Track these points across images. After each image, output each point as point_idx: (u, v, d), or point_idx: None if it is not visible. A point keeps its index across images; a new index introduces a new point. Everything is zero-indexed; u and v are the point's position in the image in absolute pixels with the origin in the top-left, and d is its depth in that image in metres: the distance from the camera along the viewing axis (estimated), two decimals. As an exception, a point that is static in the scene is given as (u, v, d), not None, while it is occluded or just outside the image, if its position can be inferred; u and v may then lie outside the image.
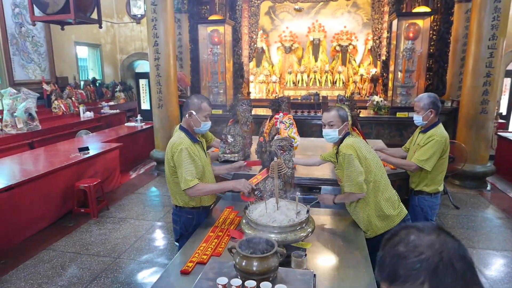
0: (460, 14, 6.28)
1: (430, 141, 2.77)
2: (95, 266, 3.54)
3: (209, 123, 2.44)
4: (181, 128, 2.43)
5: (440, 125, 2.89)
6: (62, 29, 7.30)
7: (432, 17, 5.96)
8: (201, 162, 2.37)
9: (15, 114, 6.15)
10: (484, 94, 5.35)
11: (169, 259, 3.68)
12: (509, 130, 8.62)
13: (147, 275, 3.43)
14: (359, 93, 7.93)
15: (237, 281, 1.38)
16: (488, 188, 5.76)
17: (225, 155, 3.25)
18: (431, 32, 6.22)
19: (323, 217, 2.50)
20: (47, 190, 4.32)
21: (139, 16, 9.91)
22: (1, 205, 3.61)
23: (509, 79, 8.99)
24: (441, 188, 2.96)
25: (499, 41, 5.19)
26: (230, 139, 3.17)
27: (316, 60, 8.47)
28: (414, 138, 3.06)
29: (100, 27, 7.24)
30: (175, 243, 2.78)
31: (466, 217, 4.65)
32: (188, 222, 2.47)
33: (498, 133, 6.70)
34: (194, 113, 2.36)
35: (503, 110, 9.07)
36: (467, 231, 4.27)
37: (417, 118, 2.90)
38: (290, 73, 8.38)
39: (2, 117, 6.15)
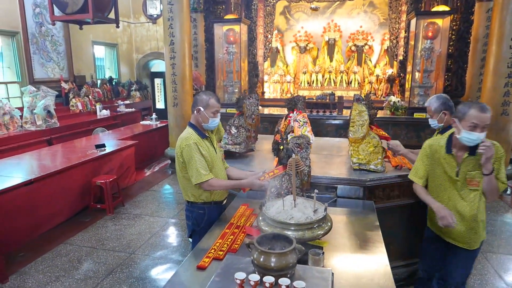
0: (481, 13, 6.13)
1: None
2: (111, 261, 3.59)
3: (217, 119, 2.45)
4: (190, 124, 2.47)
5: None
6: (81, 28, 7.43)
7: (451, 16, 5.84)
8: (210, 157, 2.39)
9: (34, 111, 6.30)
10: (506, 95, 5.21)
11: (183, 255, 3.70)
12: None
13: (161, 271, 3.46)
14: (375, 94, 7.83)
15: (255, 277, 1.36)
16: (508, 192, 5.60)
17: (227, 145, 3.27)
18: (450, 32, 6.10)
19: (340, 216, 2.47)
20: (65, 185, 4.40)
21: (155, 16, 10.03)
22: (21, 200, 3.69)
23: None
24: (460, 189, 2.88)
25: (521, 41, 5.05)
26: (233, 130, 3.18)
27: (331, 60, 8.40)
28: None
29: (118, 26, 7.35)
30: (189, 239, 2.79)
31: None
32: (200, 218, 2.48)
33: (519, 136, 6.51)
34: (202, 109, 2.38)
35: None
36: (487, 235, 4.14)
37: (433, 122, 2.85)
38: (304, 73, 8.34)
39: (22, 114, 6.30)
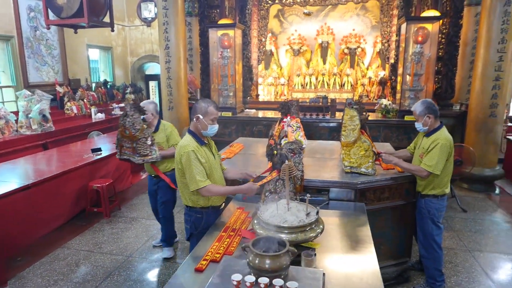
0: (470, 17, 6.28)
1: (436, 145, 2.83)
2: (108, 264, 3.65)
3: (216, 126, 2.54)
4: (189, 131, 2.55)
5: (443, 129, 2.95)
6: (75, 32, 7.46)
7: (441, 20, 5.97)
8: (208, 164, 2.47)
9: (29, 115, 6.31)
10: (493, 97, 5.36)
11: (180, 258, 3.78)
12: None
13: (159, 274, 3.53)
14: (367, 96, 7.94)
15: (251, 278, 1.45)
16: (497, 191, 5.75)
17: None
18: (440, 35, 6.23)
19: (332, 218, 2.56)
20: (61, 190, 4.44)
21: (149, 19, 10.07)
22: (18, 205, 3.73)
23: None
24: (447, 191, 3.00)
25: (508, 44, 5.20)
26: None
27: (324, 63, 8.50)
28: (419, 142, 3.13)
29: (113, 30, 7.38)
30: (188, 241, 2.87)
31: (473, 220, 4.66)
32: (198, 222, 2.57)
33: (507, 137, 6.68)
34: (201, 117, 2.46)
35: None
36: (475, 234, 4.29)
37: (418, 126, 3.02)
38: (298, 75, 8.42)
39: (18, 118, 6.31)
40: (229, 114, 6.11)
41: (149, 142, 3.34)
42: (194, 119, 2.50)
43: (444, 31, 6.26)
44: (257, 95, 8.25)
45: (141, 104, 3.54)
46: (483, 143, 5.52)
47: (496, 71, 5.27)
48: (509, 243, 4.08)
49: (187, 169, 2.39)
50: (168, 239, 3.86)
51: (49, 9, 6.52)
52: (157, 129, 3.62)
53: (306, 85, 8.38)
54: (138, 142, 3.32)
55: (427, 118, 2.94)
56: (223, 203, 2.71)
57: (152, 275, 3.51)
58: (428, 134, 2.99)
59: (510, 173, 6.16)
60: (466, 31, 6.30)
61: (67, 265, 3.64)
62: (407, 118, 5.55)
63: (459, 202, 5.04)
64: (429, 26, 5.39)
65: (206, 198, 2.51)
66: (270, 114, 6.45)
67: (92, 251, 3.92)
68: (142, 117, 3.34)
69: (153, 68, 11.24)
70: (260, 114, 6.57)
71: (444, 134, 2.89)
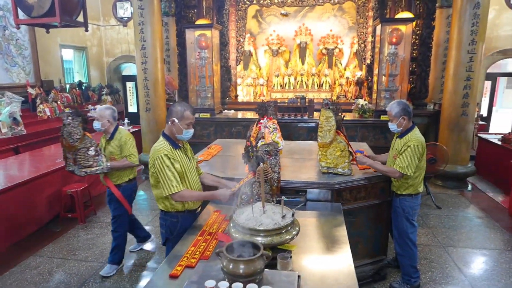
0: (442, 19, 6.47)
1: (408, 147, 2.89)
2: (83, 271, 3.54)
3: (191, 131, 2.49)
4: (163, 134, 2.50)
5: (415, 130, 3.01)
6: (48, 32, 7.20)
7: (414, 22, 6.12)
8: (182, 168, 2.43)
9: (-1, 118, 6.07)
10: (465, 97, 5.53)
11: (157, 262, 3.71)
12: (490, 131, 8.88)
13: (136, 279, 3.45)
14: (345, 96, 8.06)
15: (224, 284, 1.43)
16: (469, 188, 5.94)
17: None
18: (414, 36, 6.39)
19: (309, 219, 2.57)
20: (33, 195, 4.29)
21: (125, 19, 9.87)
22: (-13, 212, 3.58)
23: (489, 82, 9.27)
24: (421, 190, 3.07)
25: (478, 46, 5.37)
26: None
27: (303, 63, 8.56)
28: (393, 143, 3.18)
29: (87, 30, 7.16)
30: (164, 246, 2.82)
31: (447, 216, 4.80)
32: (173, 226, 2.52)
33: (478, 135, 6.92)
34: (176, 120, 2.41)
35: (484, 112, 9.34)
36: (448, 230, 4.41)
37: (392, 126, 3.06)
38: (277, 76, 8.46)
39: (-14, 121, 6.05)
40: (208, 115, 6.07)
41: (91, 152, 3.13)
42: (169, 122, 2.45)
43: (417, 32, 6.43)
44: (236, 96, 8.23)
45: (98, 109, 3.36)
46: (456, 142, 5.69)
47: (467, 72, 5.45)
48: (480, 238, 4.22)
49: (160, 173, 2.35)
50: (115, 256, 3.55)
51: (18, 8, 6.28)
52: (112, 137, 3.37)
53: (285, 86, 8.42)
54: (78, 152, 3.11)
55: (402, 119, 3.00)
56: (200, 207, 2.68)
57: (129, 281, 3.43)
58: (401, 135, 3.05)
59: (482, 169, 6.38)
60: (438, 33, 6.48)
61: (39, 274, 3.51)
62: (383, 117, 5.66)
63: (434, 199, 5.17)
64: (403, 28, 5.51)
65: (182, 202, 2.48)
66: (249, 114, 6.45)
67: (66, 258, 3.80)
68: (98, 124, 3.21)
69: (130, 69, 11.03)
70: (240, 115, 6.56)
71: (416, 136, 2.96)
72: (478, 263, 3.70)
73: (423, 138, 3.01)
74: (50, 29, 7.13)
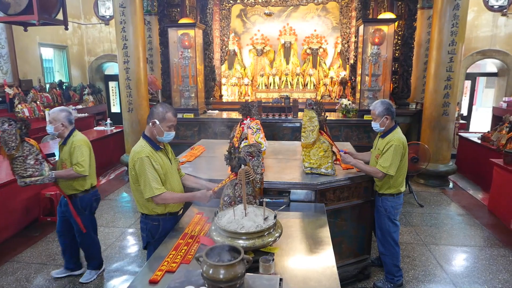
0: (423, 20, 6.57)
1: (390, 147, 2.92)
2: (63, 277, 3.44)
3: (172, 133, 2.44)
4: (144, 136, 2.44)
5: (397, 129, 3.04)
6: (25, 30, 7.00)
7: (396, 23, 6.19)
8: (163, 170, 2.39)
9: (-26, 119, 5.85)
10: (445, 97, 5.63)
11: (140, 266, 3.64)
12: (470, 130, 9.08)
13: (118, 284, 3.38)
14: (329, 96, 8.10)
15: (203, 290, 1.40)
16: (451, 186, 6.06)
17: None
18: (396, 37, 6.48)
19: (292, 220, 2.55)
20: (11, 199, 4.16)
21: (107, 17, 9.68)
22: (-40, 217, 3.45)
23: (469, 81, 9.48)
24: (403, 189, 3.10)
25: (458, 46, 5.47)
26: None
27: (287, 63, 8.57)
28: (375, 142, 3.20)
29: (66, 28, 6.98)
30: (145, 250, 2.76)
31: (429, 214, 4.87)
32: (154, 229, 2.47)
33: (459, 134, 7.06)
34: (157, 122, 2.37)
35: (464, 111, 9.55)
36: (431, 228, 4.48)
37: (375, 125, 3.07)
38: (262, 75, 8.44)
39: (-40, 122, 5.83)
40: (191, 115, 6.00)
41: (30, 161, 2.87)
42: (150, 124, 2.40)
43: (399, 33, 6.51)
44: (221, 96, 8.18)
45: (51, 112, 3.10)
46: (437, 140, 5.79)
47: (447, 72, 5.54)
48: (461, 236, 4.30)
49: (141, 176, 2.30)
50: (92, 262, 3.40)
51: (-6, 5, 6.08)
52: (65, 142, 3.12)
53: (270, 85, 8.41)
54: (15, 161, 2.85)
55: (385, 119, 3.02)
56: (181, 209, 2.64)
57: (110, 286, 3.36)
58: (383, 135, 3.07)
59: (462, 168, 6.52)
60: (419, 33, 6.58)
61: (17, 280, 3.40)
62: (366, 117, 5.71)
63: (416, 198, 5.25)
64: (385, 28, 5.57)
65: (163, 205, 2.43)
66: (234, 115, 6.40)
67: (45, 264, 3.69)
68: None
69: (112, 68, 10.83)
70: (224, 115, 6.51)
71: (397, 135, 2.98)
72: (459, 260, 3.76)
73: (405, 138, 3.04)
74: (29, 27, 6.94)
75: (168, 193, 2.37)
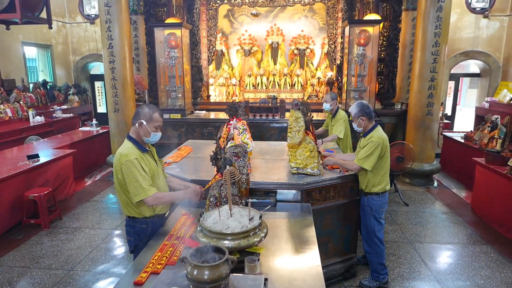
0: (407, 21, 6.68)
1: (368, 143, 2.99)
2: (47, 280, 3.39)
3: (159, 134, 2.42)
4: (129, 137, 2.40)
5: (378, 128, 3.11)
6: (7, 28, 6.87)
7: (382, 24, 6.28)
8: (151, 172, 2.37)
9: (-46, 120, 5.71)
10: (429, 97, 5.73)
11: (126, 269, 3.60)
12: (454, 130, 9.26)
13: (103, 286, 3.34)
14: (317, 96, 8.16)
15: (188, 291, 1.40)
16: (435, 184, 6.17)
17: None
18: (381, 38, 6.57)
19: (278, 220, 2.57)
20: (-8, 201, 4.07)
21: (93, 16, 9.54)
22: None
23: (453, 82, 9.66)
24: (388, 188, 3.14)
25: (441, 47, 5.58)
26: None
27: (275, 63, 8.61)
28: (359, 143, 3.27)
29: (50, 27, 6.91)
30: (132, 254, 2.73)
31: (414, 213, 4.96)
32: (143, 232, 2.44)
33: (443, 133, 7.20)
34: (144, 123, 2.34)
35: (448, 111, 9.73)
36: (415, 226, 4.56)
37: (355, 126, 3.20)
38: (249, 76, 8.45)
39: None
40: (178, 115, 5.96)
41: None
42: (137, 125, 2.36)
43: (385, 34, 6.60)
44: (208, 96, 8.16)
45: None
46: (422, 140, 5.89)
47: (431, 72, 5.64)
48: (444, 233, 4.38)
49: (130, 178, 2.24)
50: None
51: (-25, 3, 5.94)
52: None
53: (258, 86, 8.43)
54: None
55: (361, 120, 3.10)
56: (168, 211, 2.62)
57: (96, 289, 3.32)
58: (364, 134, 3.15)
59: (447, 167, 6.64)
60: (404, 34, 6.69)
61: (-1, 284, 3.33)
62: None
63: (402, 197, 5.33)
64: (370, 29, 5.64)
65: (151, 207, 2.40)
66: (221, 115, 6.39)
67: (29, 267, 3.62)
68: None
69: (98, 68, 10.68)
70: (212, 115, 6.49)
71: (377, 133, 3.04)
72: (443, 258, 3.84)
73: (386, 136, 3.10)
74: (11, 26, 6.80)
75: (160, 193, 2.35)
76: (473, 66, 9.72)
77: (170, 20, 6.58)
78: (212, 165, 2.37)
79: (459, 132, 7.29)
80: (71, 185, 5.59)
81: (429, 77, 5.68)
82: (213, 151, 2.39)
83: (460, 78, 10.17)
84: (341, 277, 3.37)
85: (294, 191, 2.92)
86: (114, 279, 3.44)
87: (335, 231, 3.24)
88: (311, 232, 2.40)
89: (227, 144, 3.05)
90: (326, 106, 4.52)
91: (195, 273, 1.46)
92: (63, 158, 5.30)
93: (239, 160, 2.36)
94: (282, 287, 1.77)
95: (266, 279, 1.69)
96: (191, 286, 1.48)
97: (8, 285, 3.32)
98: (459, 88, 10.53)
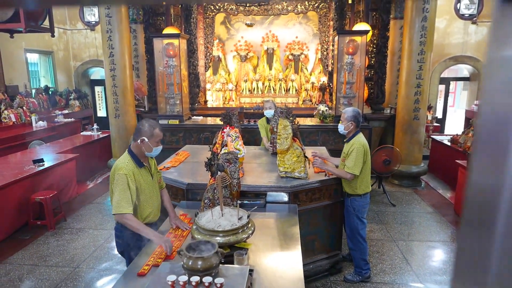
0: (395, 30, 6.97)
1: (352, 150, 3.26)
2: (54, 277, 3.65)
3: (160, 147, 2.58)
4: (129, 151, 2.54)
5: (359, 135, 3.38)
6: (12, 37, 7.13)
7: (371, 32, 6.56)
8: (140, 189, 2.49)
9: (-38, 126, 5.96)
10: (416, 102, 6.02)
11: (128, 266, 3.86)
12: (445, 132, 9.55)
13: (107, 282, 3.60)
14: (311, 101, 8.43)
15: (183, 278, 1.67)
16: (422, 186, 6.45)
17: None
18: (371, 45, 6.85)
19: (267, 220, 2.84)
20: (1, 203, 4.32)
21: (93, 23, 9.81)
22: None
23: (443, 86, 9.96)
24: (368, 190, 3.42)
25: (427, 55, 5.87)
26: None
27: (270, 69, 8.88)
28: (344, 148, 3.53)
29: (53, 36, 7.17)
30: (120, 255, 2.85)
31: (401, 213, 5.23)
32: (130, 239, 2.52)
33: (432, 136, 7.48)
34: (146, 140, 2.48)
35: (439, 114, 10.03)
36: (401, 226, 4.83)
37: (340, 127, 3.43)
38: (246, 81, 8.72)
39: None
40: (176, 121, 6.23)
41: None
42: (139, 141, 2.48)
43: (374, 41, 6.88)
44: (206, 101, 8.42)
45: None
46: (409, 143, 6.18)
47: (417, 79, 5.94)
48: (427, 232, 4.66)
49: (114, 191, 2.41)
50: None
51: (-19, 14, 6.20)
52: None
53: (254, 90, 8.70)
54: None
55: (350, 124, 3.36)
56: (158, 219, 2.79)
57: (100, 284, 3.58)
58: (347, 140, 3.42)
59: (434, 168, 6.93)
60: (392, 42, 6.98)
61: (10, 280, 3.59)
62: (343, 122, 6.05)
63: (389, 198, 5.61)
64: (358, 39, 5.92)
65: (141, 216, 2.57)
66: (218, 120, 6.62)
67: (37, 265, 3.88)
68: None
69: (98, 73, 10.94)
70: (210, 120, 6.75)
71: (359, 140, 3.31)
72: (423, 255, 4.11)
73: (366, 142, 3.38)
74: (14, 34, 7.06)
75: (131, 216, 2.38)
76: (464, 70, 10.02)
77: (168, 30, 6.85)
78: (207, 170, 2.64)
79: (447, 135, 7.57)
80: (74, 188, 5.85)
81: (415, 84, 5.96)
82: (207, 158, 2.66)
83: (450, 81, 10.47)
84: (327, 272, 3.64)
85: (282, 193, 3.19)
86: (117, 275, 3.69)
87: (321, 230, 3.51)
88: (296, 230, 2.67)
89: (221, 150, 3.33)
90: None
91: (190, 263, 1.73)
92: (67, 163, 5.56)
93: (230, 165, 2.63)
94: (266, 277, 2.05)
95: (251, 270, 1.95)
96: (186, 274, 1.74)
97: (18, 281, 3.58)
98: (454, 91, 10.83)
